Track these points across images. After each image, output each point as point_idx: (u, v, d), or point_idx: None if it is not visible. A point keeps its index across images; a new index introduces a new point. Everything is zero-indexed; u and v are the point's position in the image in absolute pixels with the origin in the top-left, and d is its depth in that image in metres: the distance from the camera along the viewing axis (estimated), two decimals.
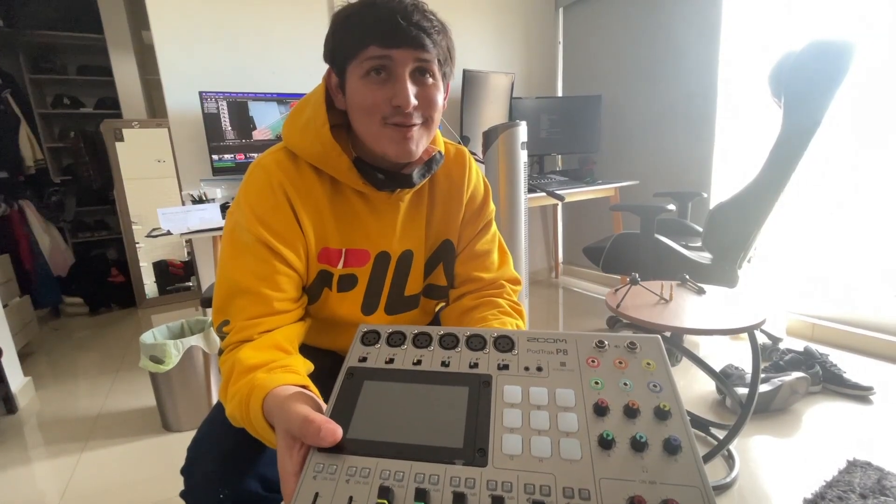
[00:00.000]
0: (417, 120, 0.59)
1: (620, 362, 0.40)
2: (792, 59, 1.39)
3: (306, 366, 0.57)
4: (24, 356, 2.12)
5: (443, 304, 0.79)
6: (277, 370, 0.51)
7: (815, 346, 1.63)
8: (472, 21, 2.60)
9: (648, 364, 0.40)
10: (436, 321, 0.82)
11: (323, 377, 0.61)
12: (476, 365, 0.41)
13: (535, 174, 2.61)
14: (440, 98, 0.60)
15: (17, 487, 1.33)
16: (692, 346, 1.94)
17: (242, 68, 2.02)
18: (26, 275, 2.73)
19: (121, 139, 2.94)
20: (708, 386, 1.60)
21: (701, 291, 1.24)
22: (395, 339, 0.45)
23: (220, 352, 0.58)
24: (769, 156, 1.47)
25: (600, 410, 0.36)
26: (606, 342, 0.42)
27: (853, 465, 1.17)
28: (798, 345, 1.69)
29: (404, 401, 0.39)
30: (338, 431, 0.36)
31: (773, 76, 1.45)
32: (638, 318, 1.08)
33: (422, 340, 0.44)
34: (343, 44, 0.57)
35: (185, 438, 1.54)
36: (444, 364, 0.42)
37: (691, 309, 1.13)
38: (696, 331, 1.04)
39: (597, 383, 0.39)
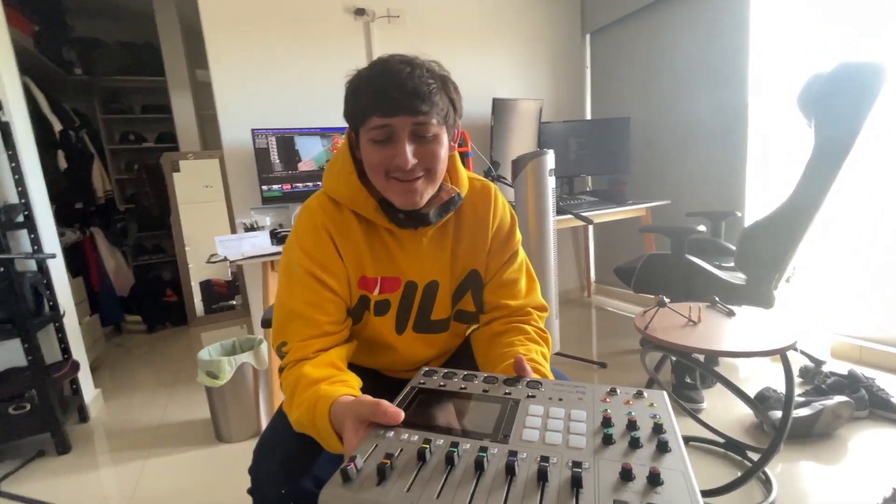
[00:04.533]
0: (419, 173, 0.66)
1: (628, 402, 0.48)
2: (820, 81, 1.40)
3: (358, 381, 0.66)
4: (92, 369, 2.33)
5: (474, 326, 0.86)
6: (338, 383, 0.61)
7: (860, 370, 1.58)
8: (501, 50, 2.72)
9: (652, 405, 0.47)
10: (466, 342, 0.89)
11: (366, 392, 0.70)
12: (509, 393, 0.52)
13: (564, 195, 2.65)
14: (442, 151, 0.67)
15: (88, 492, 1.47)
16: (730, 368, 1.91)
17: (289, 106, 2.20)
18: (94, 295, 3.00)
19: (177, 170, 3.21)
20: (745, 410, 1.57)
21: (731, 313, 1.25)
22: (449, 375, 0.57)
23: (281, 369, 0.68)
24: (803, 173, 1.46)
25: (606, 422, 0.44)
26: (619, 390, 0.50)
27: None
28: (842, 367, 1.63)
29: (449, 406, 0.50)
30: (401, 414, 0.46)
31: (802, 99, 1.46)
32: (666, 339, 1.11)
33: (469, 377, 0.56)
34: (352, 113, 0.67)
35: (237, 449, 1.68)
36: (484, 391, 0.53)
37: (721, 331, 1.15)
38: (724, 353, 1.06)
39: (606, 410, 0.46)
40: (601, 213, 2.29)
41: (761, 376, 1.80)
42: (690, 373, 1.70)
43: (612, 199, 2.53)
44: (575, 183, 2.79)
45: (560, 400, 0.49)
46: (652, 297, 2.66)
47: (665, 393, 0.49)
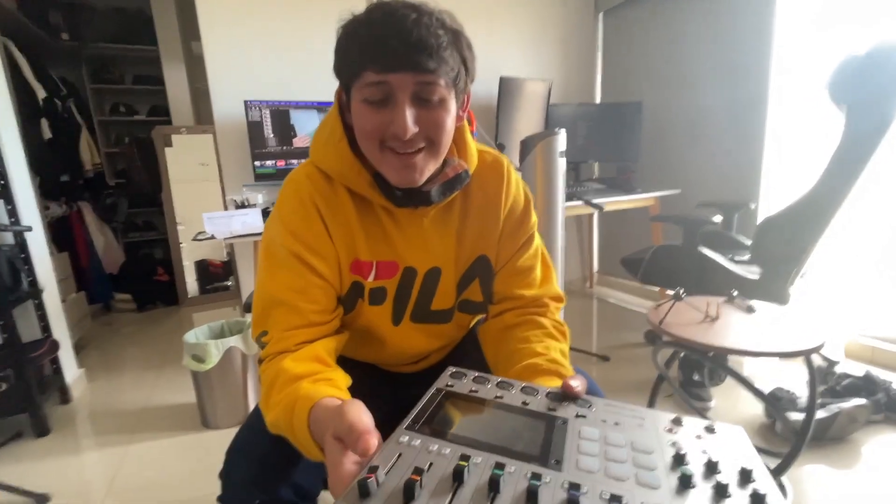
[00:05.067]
0: (420, 144, 0.56)
1: (699, 437, 0.39)
2: (855, 63, 1.30)
3: (346, 380, 0.58)
4: (77, 349, 2.25)
5: (480, 317, 0.77)
6: (321, 382, 0.52)
7: (876, 371, 1.51)
8: (510, 27, 2.59)
9: (731, 445, 0.38)
10: (471, 334, 0.81)
11: (362, 389, 0.61)
12: (554, 409, 0.42)
13: (570, 182, 2.56)
14: (449, 119, 0.57)
15: (69, 474, 1.40)
16: (736, 365, 1.84)
17: (284, 78, 2.09)
18: (82, 272, 2.90)
19: (169, 144, 3.09)
20: (754, 409, 1.51)
21: (751, 309, 1.17)
22: (480, 380, 0.47)
23: (260, 361, 0.60)
24: (829, 163, 1.37)
25: (679, 459, 0.35)
26: (684, 420, 0.41)
27: None
28: (857, 368, 1.57)
29: (486, 415, 0.41)
30: (372, 444, 0.36)
31: (834, 82, 1.36)
32: (682, 336, 1.03)
33: (504, 385, 0.47)
34: (343, 65, 0.56)
35: (223, 436, 1.59)
36: (524, 403, 0.43)
37: (740, 328, 1.07)
38: (747, 352, 0.98)
39: (674, 443, 0.37)
40: (609, 201, 2.20)
41: (770, 375, 1.74)
42: (698, 370, 1.64)
43: (619, 187, 2.44)
44: (581, 169, 2.70)
45: (616, 424, 0.40)
46: (657, 289, 2.60)
47: (742, 429, 0.40)
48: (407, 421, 0.39)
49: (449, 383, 0.47)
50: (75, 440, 1.61)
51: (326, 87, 2.12)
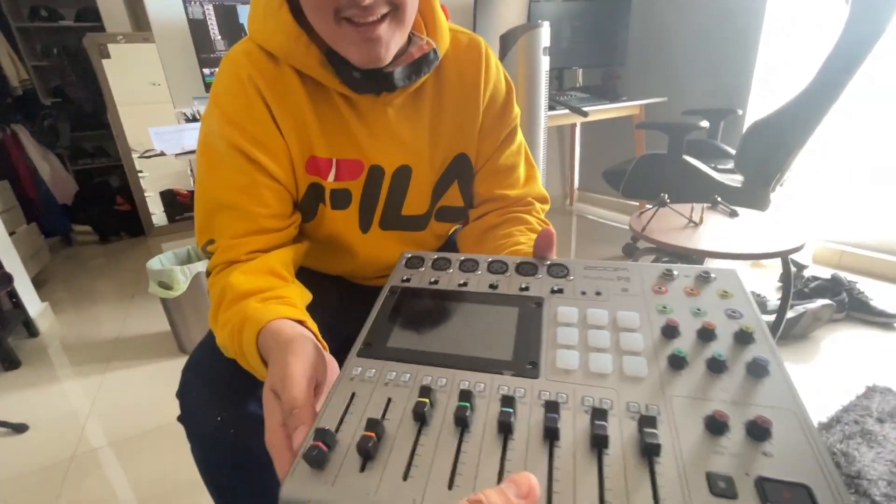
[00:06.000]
0: (382, 9, 0.46)
1: (692, 290, 0.34)
2: None
3: (303, 297, 0.52)
4: (39, 283, 2.15)
5: (458, 226, 0.71)
6: (272, 301, 0.46)
7: (843, 274, 1.56)
8: None
9: (725, 293, 0.34)
10: (450, 243, 0.75)
11: (325, 303, 0.56)
12: (527, 288, 0.37)
13: (553, 90, 2.40)
14: None
15: (49, 404, 1.38)
16: None
17: None
18: (31, 203, 2.69)
19: (107, 55, 2.73)
20: None
21: (733, 214, 1.15)
22: (440, 264, 0.42)
23: (208, 273, 0.53)
24: (821, 67, 1.30)
25: (669, 332, 0.31)
26: (675, 271, 0.36)
27: (872, 391, 1.16)
28: (824, 272, 1.62)
29: (449, 316, 0.36)
30: (309, 402, 0.31)
31: None
32: (665, 241, 1.01)
33: (468, 266, 0.41)
34: None
35: None
36: (491, 286, 0.38)
37: (723, 233, 1.05)
38: (730, 255, 0.97)
39: (664, 307, 0.33)
40: (593, 109, 2.08)
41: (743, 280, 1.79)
42: None
43: (604, 96, 2.30)
44: (565, 76, 2.52)
45: (598, 295, 0.35)
46: (636, 204, 2.58)
47: (736, 271, 0.36)
48: (357, 345, 0.34)
49: (405, 277, 0.41)
50: (48, 371, 1.57)
51: None
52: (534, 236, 0.55)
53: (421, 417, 0.27)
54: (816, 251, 1.89)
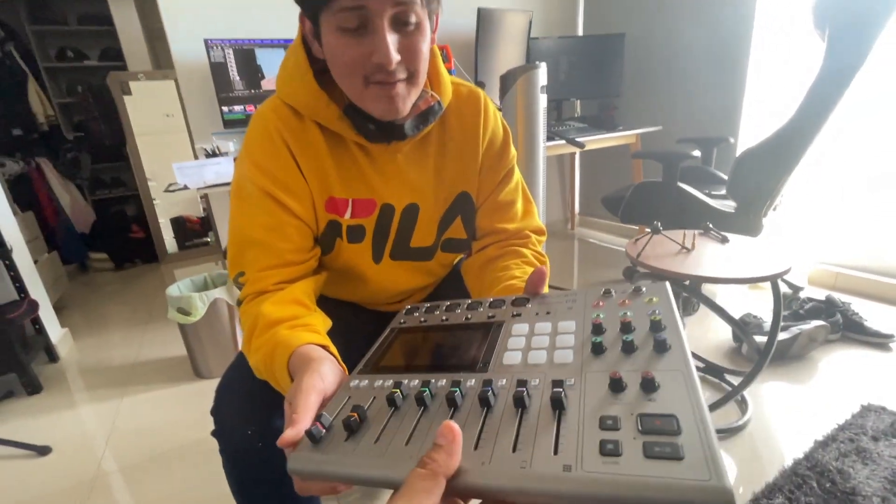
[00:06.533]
0: (402, 75, 0.54)
1: (624, 302, 0.41)
2: None
3: (325, 323, 0.58)
4: (58, 309, 2.22)
5: (462, 256, 0.78)
6: (299, 328, 0.52)
7: (837, 295, 1.61)
8: None
9: (651, 300, 0.40)
10: (455, 272, 0.82)
11: (343, 328, 0.63)
12: (493, 316, 0.45)
13: (552, 121, 2.51)
14: (425, 46, 0.55)
15: (70, 427, 1.43)
16: (710, 295, 1.93)
17: (247, 13, 1.92)
18: (52, 232, 2.80)
19: (128, 92, 2.89)
20: (723, 335, 1.61)
21: (724, 240, 1.21)
22: (431, 309, 0.51)
23: (239, 302, 0.60)
24: (806, 96, 1.37)
25: (596, 329, 0.37)
26: (613, 290, 0.43)
27: (867, 410, 1.19)
28: (820, 294, 1.66)
29: (429, 342, 0.45)
30: (301, 422, 0.36)
31: (819, 4, 1.33)
32: (659, 267, 1.07)
33: (451, 307, 0.50)
34: None
35: (216, 384, 1.62)
36: (466, 319, 0.47)
37: (714, 258, 1.11)
38: (720, 280, 1.03)
39: (598, 315, 0.40)
40: (590, 139, 2.17)
41: (740, 303, 1.83)
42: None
43: (601, 125, 2.41)
44: (563, 107, 2.64)
45: (548, 314, 0.42)
46: (636, 228, 2.65)
47: (668, 284, 0.41)
48: (359, 367, 0.43)
49: (402, 321, 0.50)
50: (68, 396, 1.63)
51: (293, 23, 1.98)
52: (528, 269, 0.62)
53: (392, 402, 0.34)
54: (812, 273, 1.93)
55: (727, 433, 1.16)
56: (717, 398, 1.23)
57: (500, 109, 1.55)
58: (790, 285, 1.80)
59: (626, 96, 2.58)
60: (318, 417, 0.34)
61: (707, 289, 1.96)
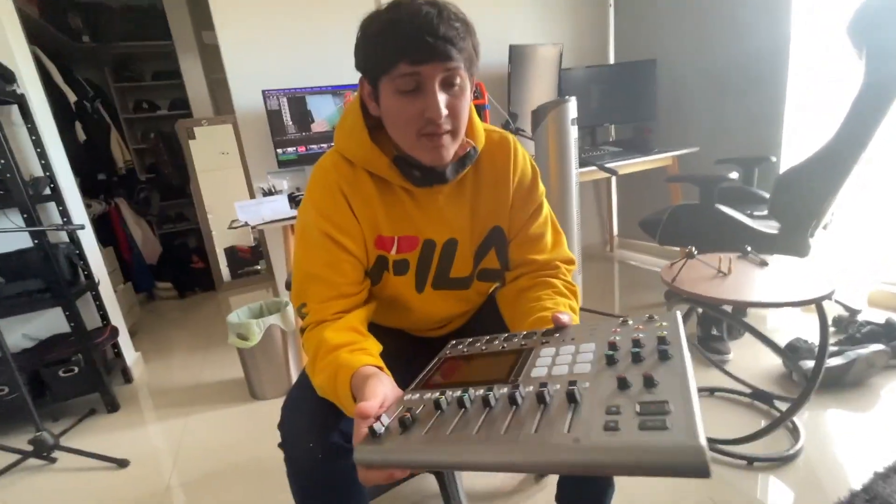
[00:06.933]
0: (447, 127, 0.63)
1: (638, 328, 0.47)
2: (875, 6, 1.26)
3: (378, 347, 0.67)
4: (131, 334, 2.44)
5: (498, 284, 0.84)
6: (358, 352, 0.61)
7: None
8: None
9: (662, 326, 0.46)
10: (491, 300, 0.88)
11: (392, 351, 0.70)
12: (525, 344, 0.53)
13: (587, 146, 2.55)
14: (466, 107, 0.65)
15: (139, 445, 1.57)
16: (759, 320, 1.87)
17: (299, 65, 2.13)
18: (125, 264, 3.10)
19: (192, 137, 3.21)
20: (774, 360, 1.55)
21: (763, 264, 1.20)
22: (474, 342, 0.59)
23: (302, 330, 0.69)
24: (848, 113, 1.35)
25: (611, 346, 0.44)
26: (630, 320, 0.50)
27: None
28: (879, 316, 1.58)
29: (470, 366, 0.53)
30: (370, 413, 0.45)
31: (854, 25, 1.33)
32: (694, 292, 1.08)
33: (491, 340, 0.58)
34: (374, 60, 0.62)
35: (271, 405, 1.76)
36: (503, 347, 0.54)
37: (752, 281, 1.11)
38: (757, 304, 1.02)
39: (615, 338, 0.46)
40: (625, 164, 2.20)
41: (792, 327, 1.76)
42: (717, 325, 1.68)
43: (636, 149, 2.42)
44: (598, 133, 2.68)
45: (572, 340, 0.49)
46: (677, 250, 2.60)
47: (678, 312, 0.47)
48: (411, 387, 0.51)
49: (448, 352, 0.58)
50: (141, 414, 1.79)
51: (340, 71, 2.18)
52: (559, 299, 0.68)
53: (438, 405, 0.42)
54: (871, 294, 1.83)
55: (778, 462, 1.13)
56: (765, 425, 1.20)
57: (530, 139, 1.62)
58: (846, 307, 1.72)
59: (661, 119, 2.59)
60: (378, 419, 0.43)
61: (756, 314, 1.90)
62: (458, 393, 0.43)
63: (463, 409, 0.41)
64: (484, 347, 0.55)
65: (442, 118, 0.61)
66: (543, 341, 0.51)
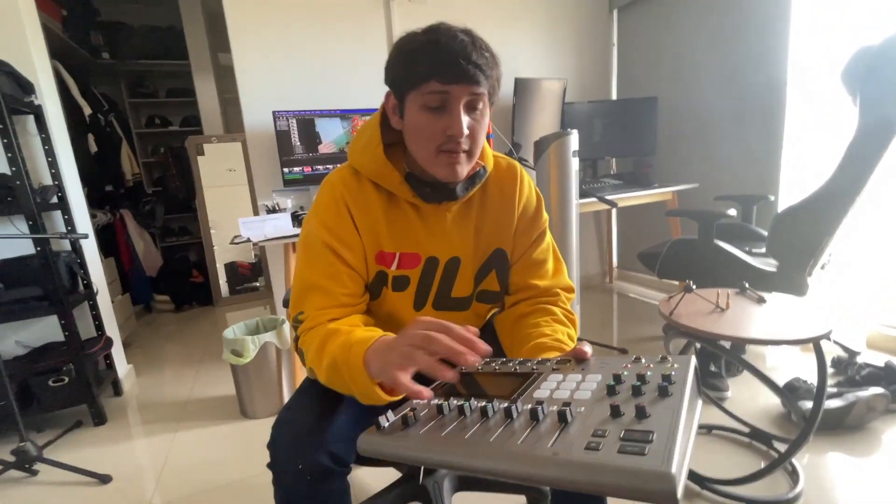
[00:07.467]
0: (465, 146, 0.66)
1: (649, 366, 0.48)
2: (868, 55, 1.31)
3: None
4: (125, 346, 2.42)
5: (496, 309, 0.85)
6: (372, 329, 0.64)
7: None
8: (525, 27, 2.64)
9: (672, 366, 0.46)
10: (489, 325, 0.88)
11: None
12: (536, 369, 0.54)
13: (588, 178, 2.59)
14: (483, 133, 0.68)
15: (123, 461, 1.54)
16: (758, 357, 1.86)
17: (309, 88, 2.20)
18: (125, 275, 3.10)
19: (202, 153, 3.27)
20: (773, 399, 1.53)
21: (761, 300, 1.20)
22: (488, 363, 0.61)
23: (296, 339, 0.69)
24: (844, 156, 1.39)
25: (616, 378, 0.45)
26: (643, 358, 0.50)
27: None
28: (878, 359, 1.57)
29: (481, 381, 0.56)
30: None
31: (848, 73, 1.38)
32: (692, 326, 1.08)
33: (505, 363, 0.60)
34: (406, 74, 0.66)
35: (261, 424, 1.73)
36: (514, 370, 0.56)
37: (750, 318, 1.11)
38: (754, 341, 1.02)
39: (623, 372, 0.47)
40: (625, 197, 2.23)
41: (790, 366, 1.75)
42: (715, 361, 1.66)
43: (636, 183, 2.46)
44: (599, 166, 2.73)
45: (582, 370, 0.50)
46: (676, 283, 2.60)
47: (693, 357, 0.47)
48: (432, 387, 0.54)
49: (462, 368, 0.59)
50: (129, 428, 1.76)
51: (349, 95, 2.24)
52: (557, 326, 0.69)
53: (440, 410, 0.46)
54: (870, 336, 1.82)
55: None
56: (762, 467, 1.17)
57: (532, 170, 1.66)
58: (845, 349, 1.71)
59: (662, 154, 2.64)
60: (383, 412, 0.47)
61: (755, 351, 1.89)
62: (461, 402, 0.46)
63: (462, 417, 0.44)
64: (497, 367, 0.57)
65: (463, 137, 0.64)
66: (555, 368, 0.53)
